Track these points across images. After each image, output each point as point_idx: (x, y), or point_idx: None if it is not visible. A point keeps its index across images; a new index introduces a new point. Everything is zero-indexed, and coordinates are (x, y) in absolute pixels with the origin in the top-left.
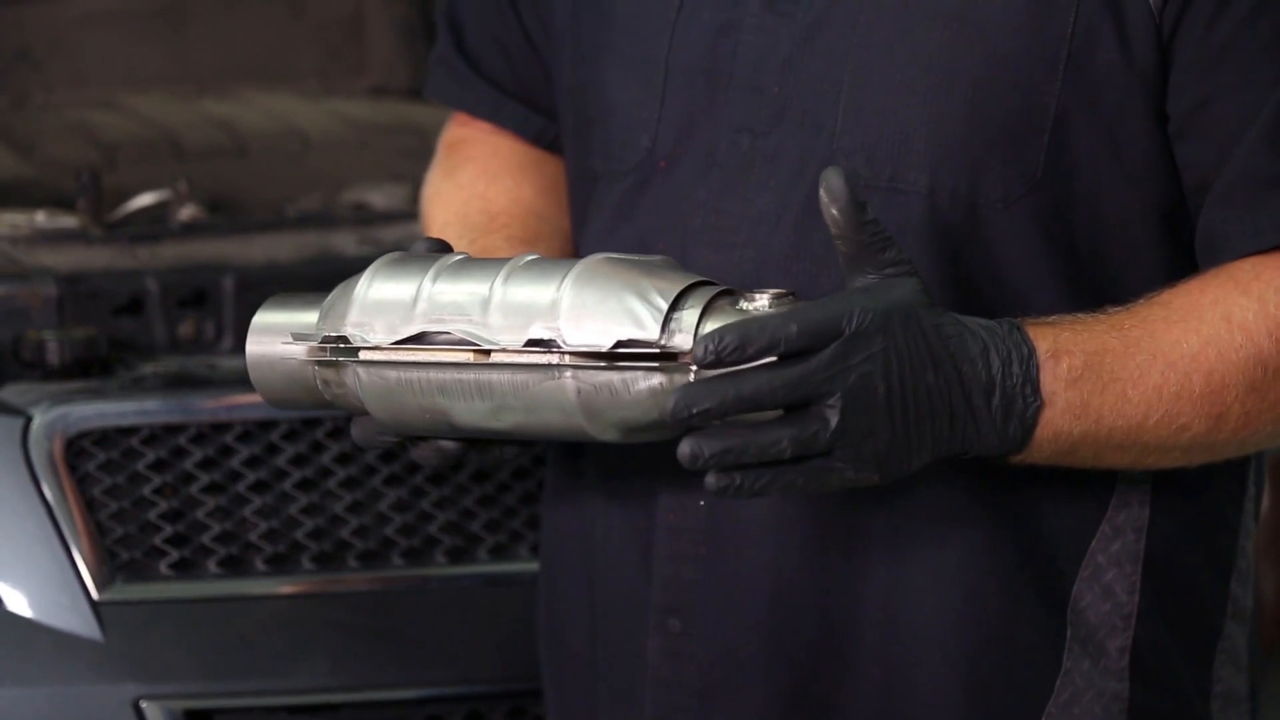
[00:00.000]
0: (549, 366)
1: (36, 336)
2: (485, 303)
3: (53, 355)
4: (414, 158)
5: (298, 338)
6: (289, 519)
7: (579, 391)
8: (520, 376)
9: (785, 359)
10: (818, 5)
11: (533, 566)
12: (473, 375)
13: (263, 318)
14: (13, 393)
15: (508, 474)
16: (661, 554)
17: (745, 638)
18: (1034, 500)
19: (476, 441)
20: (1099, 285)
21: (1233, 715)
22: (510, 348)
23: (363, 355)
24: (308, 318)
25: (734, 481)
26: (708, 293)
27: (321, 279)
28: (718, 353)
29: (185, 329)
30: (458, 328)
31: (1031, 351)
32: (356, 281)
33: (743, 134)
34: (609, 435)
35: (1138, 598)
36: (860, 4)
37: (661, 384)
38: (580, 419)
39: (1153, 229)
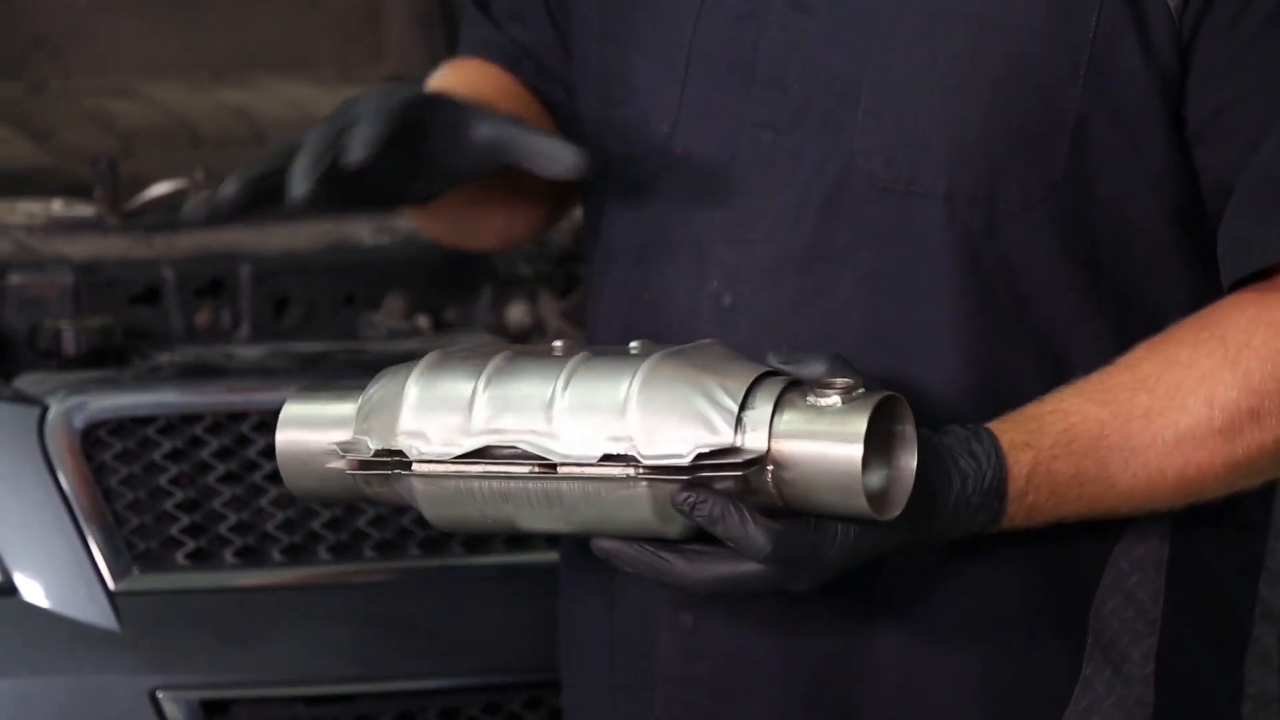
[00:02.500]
0: (625, 479)
1: (52, 325)
2: (547, 409)
3: (69, 344)
4: None
5: (345, 450)
6: (306, 509)
7: (655, 499)
8: (591, 487)
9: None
10: (840, 4)
11: (549, 557)
12: (540, 485)
13: (292, 409)
14: (29, 382)
15: None
16: None
17: (758, 638)
18: None
19: None
20: (1119, 289)
21: (1264, 717)
22: (582, 462)
23: (418, 469)
24: (342, 410)
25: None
26: (776, 385)
27: (337, 267)
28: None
29: (201, 318)
30: (522, 439)
31: (1002, 506)
32: (401, 382)
33: (764, 130)
34: (685, 534)
35: (1163, 603)
36: (882, 4)
37: (736, 484)
38: (654, 521)
39: (1174, 234)
